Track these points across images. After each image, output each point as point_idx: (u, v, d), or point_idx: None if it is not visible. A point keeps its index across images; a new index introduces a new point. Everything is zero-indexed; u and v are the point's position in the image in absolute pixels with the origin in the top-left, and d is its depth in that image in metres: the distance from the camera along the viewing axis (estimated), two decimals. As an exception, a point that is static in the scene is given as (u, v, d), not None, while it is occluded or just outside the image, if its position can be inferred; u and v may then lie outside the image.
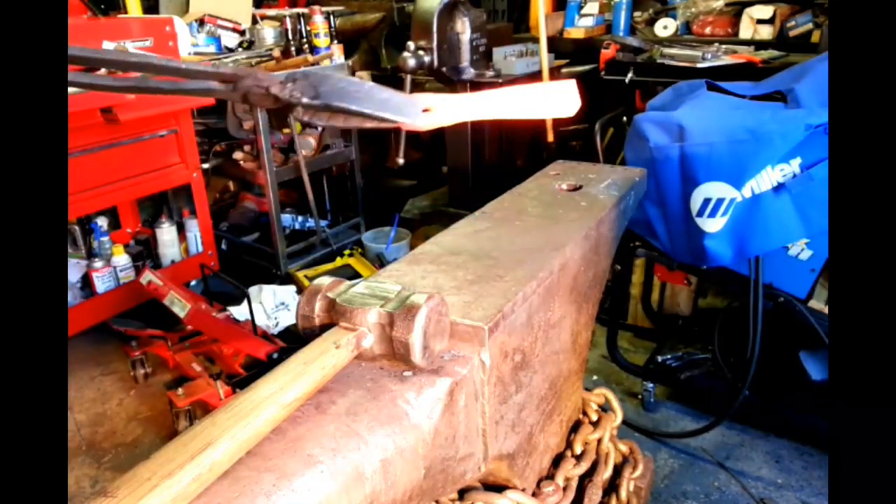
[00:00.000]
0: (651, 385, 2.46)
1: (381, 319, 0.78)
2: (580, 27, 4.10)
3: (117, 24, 3.08)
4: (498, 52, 3.55)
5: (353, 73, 3.67)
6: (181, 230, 3.46)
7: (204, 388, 2.36)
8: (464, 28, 3.34)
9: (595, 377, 2.68)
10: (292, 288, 3.34)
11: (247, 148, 3.63)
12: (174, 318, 2.70)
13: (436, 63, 3.27)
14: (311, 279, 3.38)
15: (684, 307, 2.57)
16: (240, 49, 3.87)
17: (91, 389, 2.75)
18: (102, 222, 3.26)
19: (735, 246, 1.83)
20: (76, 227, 3.25)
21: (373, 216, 4.03)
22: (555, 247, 1.08)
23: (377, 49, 4.60)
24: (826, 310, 1.95)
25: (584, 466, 1.30)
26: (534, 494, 1.15)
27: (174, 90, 0.78)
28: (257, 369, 2.39)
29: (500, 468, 1.02)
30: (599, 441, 1.38)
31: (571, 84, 0.95)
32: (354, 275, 3.53)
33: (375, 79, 4.08)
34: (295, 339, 2.34)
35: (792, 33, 3.42)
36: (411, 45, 3.26)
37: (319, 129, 3.54)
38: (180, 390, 2.36)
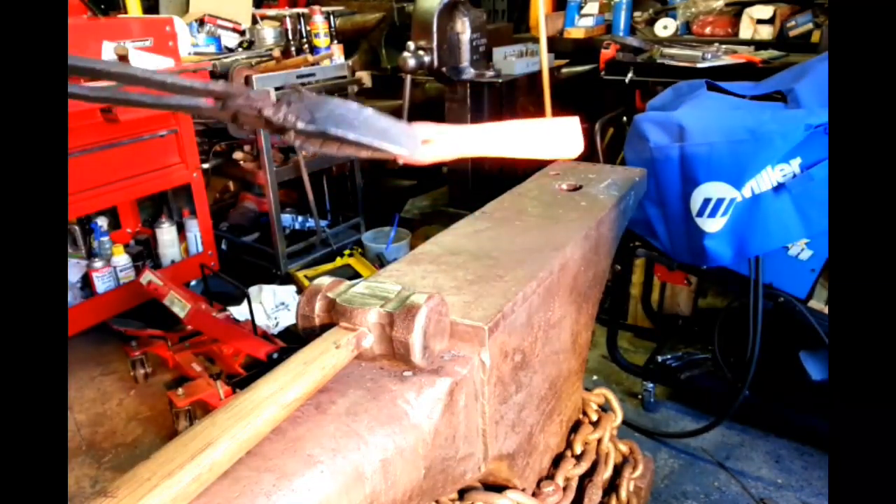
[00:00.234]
0: (651, 385, 2.46)
1: (381, 319, 0.78)
2: (580, 27, 4.10)
3: (117, 24, 3.08)
4: (498, 52, 3.55)
5: (352, 73, 3.67)
6: (181, 230, 3.46)
7: (204, 388, 2.36)
8: (464, 28, 3.34)
9: (595, 377, 2.68)
10: (292, 288, 3.34)
11: (247, 148, 3.63)
12: (174, 318, 2.70)
13: (436, 63, 3.27)
14: (311, 279, 3.38)
15: (684, 307, 2.57)
16: (240, 49, 3.87)
17: (91, 389, 2.75)
18: (102, 222, 3.26)
19: (735, 246, 1.83)
20: (76, 227, 3.25)
21: (373, 216, 4.03)
22: (555, 247, 1.08)
23: (377, 49, 4.61)
24: (826, 310, 1.95)
25: (584, 466, 1.30)
26: (534, 494, 1.15)
27: (156, 104, 0.73)
28: (257, 369, 2.39)
29: (500, 468, 1.02)
30: (599, 441, 1.38)
31: (575, 123, 0.95)
32: (354, 275, 3.53)
33: (375, 79, 4.09)
34: (295, 339, 2.34)
35: (792, 33, 3.42)
36: (411, 45, 3.26)
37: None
38: (180, 390, 2.36)
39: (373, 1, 4.71)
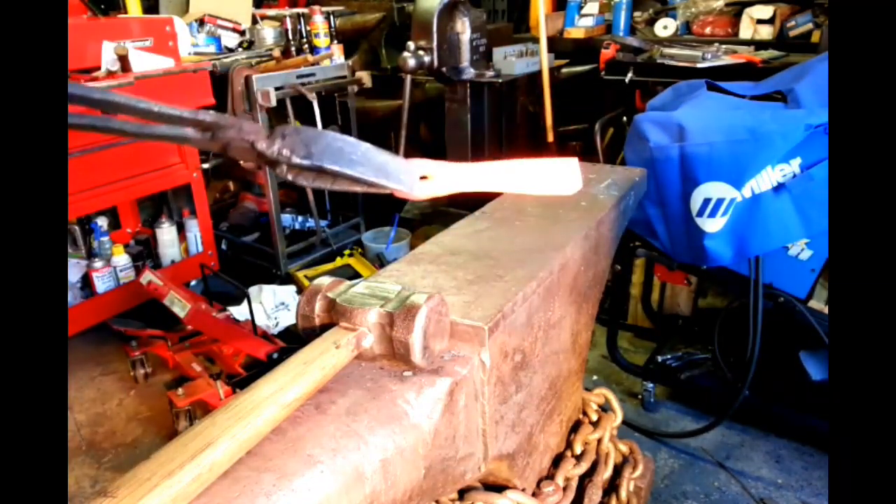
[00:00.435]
0: (651, 385, 2.46)
1: (381, 319, 0.78)
2: (580, 27, 4.10)
3: (117, 24, 3.08)
4: (498, 52, 3.55)
5: (352, 73, 3.67)
6: (181, 230, 3.46)
7: (204, 388, 2.36)
8: (464, 28, 3.34)
9: (595, 377, 2.68)
10: (292, 288, 3.34)
11: (247, 148, 3.62)
12: (174, 318, 2.70)
13: (436, 63, 3.27)
14: (311, 279, 3.38)
15: (684, 307, 2.57)
16: (240, 49, 3.87)
17: (91, 389, 2.75)
18: (102, 222, 3.26)
19: (735, 246, 1.83)
20: (76, 227, 3.25)
21: (373, 216, 4.03)
22: (555, 247, 1.08)
23: (377, 49, 4.60)
24: (826, 310, 1.95)
25: (584, 466, 1.30)
26: (534, 494, 1.15)
27: (140, 134, 0.67)
28: (257, 369, 2.39)
29: (500, 468, 1.02)
30: (599, 441, 1.38)
31: (574, 162, 0.94)
32: (354, 275, 3.53)
33: (375, 79, 4.08)
34: (295, 339, 2.34)
35: (792, 33, 3.42)
36: (411, 45, 3.26)
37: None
38: (180, 390, 2.36)
39: (373, 1, 4.71)
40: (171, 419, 2.39)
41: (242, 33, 3.97)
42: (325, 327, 0.81)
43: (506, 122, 3.62)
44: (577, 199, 1.34)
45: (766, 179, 1.74)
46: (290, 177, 0.71)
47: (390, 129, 3.97)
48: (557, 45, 3.99)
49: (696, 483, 2.13)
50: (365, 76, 3.76)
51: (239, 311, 2.85)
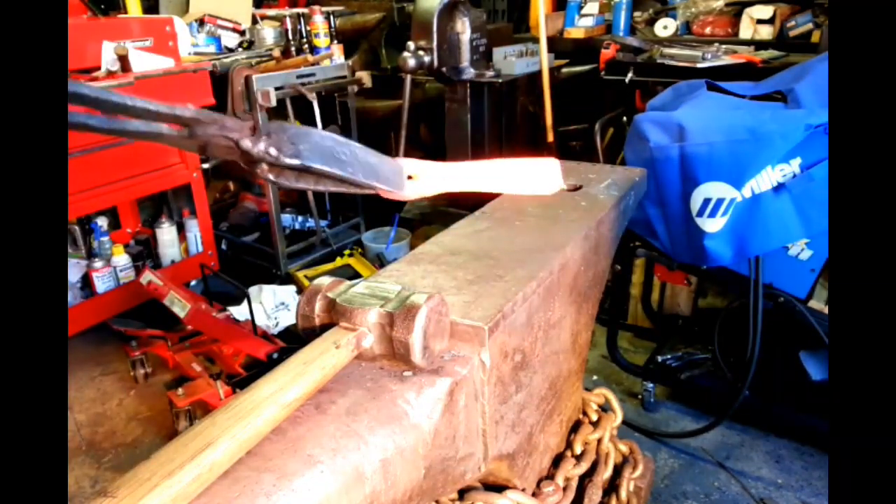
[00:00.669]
0: (651, 385, 2.46)
1: (381, 319, 0.78)
2: (580, 27, 4.10)
3: (117, 24, 3.08)
4: (498, 52, 3.55)
5: (352, 73, 3.67)
6: (181, 230, 3.46)
7: (204, 388, 2.36)
8: (464, 28, 3.34)
9: (595, 377, 2.68)
10: (292, 288, 3.34)
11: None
12: (174, 318, 2.70)
13: (436, 63, 3.27)
14: (311, 279, 3.38)
15: (684, 307, 2.57)
16: (240, 49, 3.87)
17: (91, 389, 2.75)
18: (102, 222, 3.26)
19: (735, 246, 1.83)
20: (76, 227, 3.25)
21: (373, 216, 4.03)
22: (555, 247, 1.08)
23: (377, 49, 4.61)
24: (826, 310, 1.95)
25: (584, 466, 1.29)
26: (534, 494, 1.15)
27: (109, 130, 0.61)
28: (257, 369, 2.39)
29: (500, 468, 1.02)
30: (599, 441, 1.38)
31: (555, 164, 0.96)
32: (354, 275, 3.53)
33: (375, 79, 4.08)
34: (295, 339, 2.34)
35: (792, 33, 3.42)
36: (411, 45, 3.26)
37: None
38: (180, 390, 2.36)
39: (373, 1, 4.71)
40: (171, 419, 2.39)
41: (242, 33, 3.97)
42: (325, 327, 0.81)
43: (506, 122, 3.62)
44: (577, 199, 1.34)
45: (766, 179, 1.74)
46: (271, 177, 0.67)
47: (390, 129, 3.98)
48: (557, 45, 3.99)
49: (696, 483, 2.13)
50: (365, 76, 3.76)
51: (239, 311, 2.85)
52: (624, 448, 1.53)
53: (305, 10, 3.67)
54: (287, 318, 3.09)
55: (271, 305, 3.16)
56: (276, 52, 3.54)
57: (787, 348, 2.10)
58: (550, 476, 1.21)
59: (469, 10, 3.35)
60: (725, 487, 2.11)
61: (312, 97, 3.21)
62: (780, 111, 1.77)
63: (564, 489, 1.21)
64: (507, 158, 0.94)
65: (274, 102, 3.13)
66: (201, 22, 3.87)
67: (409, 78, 3.37)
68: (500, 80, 3.43)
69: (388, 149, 4.10)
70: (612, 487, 1.44)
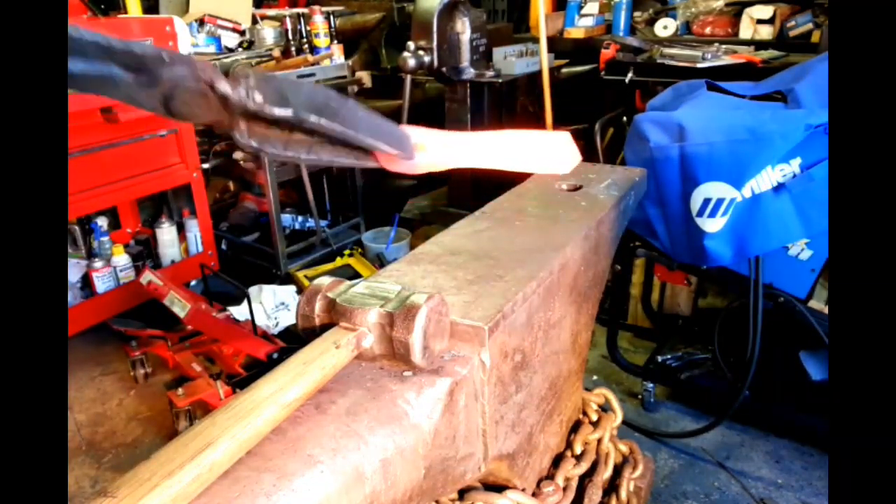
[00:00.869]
0: (651, 385, 2.46)
1: (381, 319, 0.78)
2: (580, 27, 4.10)
3: (117, 24, 3.08)
4: (498, 52, 3.55)
5: (352, 73, 3.67)
6: (181, 230, 3.45)
7: (204, 388, 2.36)
8: (464, 28, 3.34)
9: (595, 377, 2.68)
10: (292, 288, 3.34)
11: (247, 148, 3.62)
12: (174, 318, 2.70)
13: (436, 63, 3.27)
14: (311, 279, 3.38)
15: (684, 307, 2.57)
16: (240, 49, 3.87)
17: (91, 389, 2.75)
18: (102, 222, 3.26)
19: (735, 246, 1.83)
20: (76, 227, 3.25)
21: (373, 216, 4.03)
22: (555, 247, 1.08)
23: (377, 49, 4.61)
24: (826, 310, 1.94)
25: (584, 466, 1.29)
26: (534, 494, 1.15)
27: None
28: (257, 369, 2.39)
29: (501, 468, 1.02)
30: (599, 441, 1.38)
31: (567, 138, 0.90)
32: (354, 275, 3.53)
33: (375, 79, 4.08)
34: (295, 339, 2.34)
35: (792, 33, 3.42)
36: (411, 45, 3.26)
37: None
38: (180, 390, 2.36)
39: (373, 1, 4.71)
40: (171, 419, 2.39)
41: (242, 33, 3.97)
42: (325, 327, 0.81)
43: (506, 123, 3.62)
44: (577, 199, 1.34)
45: (766, 179, 1.74)
46: (253, 142, 0.54)
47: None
48: (557, 45, 3.99)
49: (696, 483, 2.13)
50: (365, 76, 3.76)
51: (239, 311, 2.85)
52: (624, 448, 1.53)
53: (305, 10, 3.67)
54: (287, 318, 3.09)
55: (271, 305, 3.16)
56: (276, 53, 3.54)
57: (787, 348, 2.10)
58: (550, 476, 1.21)
59: (469, 10, 3.35)
60: (725, 487, 2.11)
61: (312, 97, 3.20)
62: (780, 111, 1.77)
63: (564, 489, 1.21)
64: (517, 130, 0.90)
65: (274, 102, 3.13)
66: (201, 22, 3.87)
67: (409, 78, 3.37)
68: (500, 80, 3.43)
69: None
70: (612, 487, 1.44)
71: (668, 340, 2.60)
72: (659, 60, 3.00)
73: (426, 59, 3.24)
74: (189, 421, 2.35)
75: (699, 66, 2.84)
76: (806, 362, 2.08)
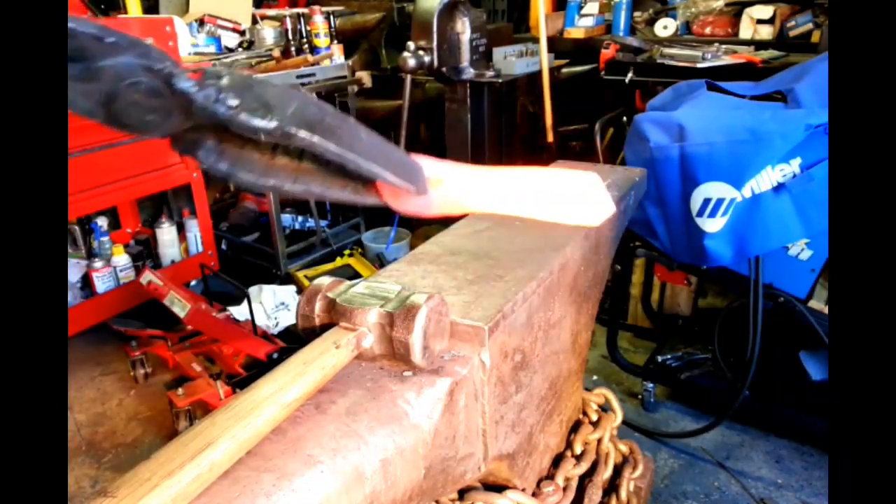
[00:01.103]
0: (651, 385, 2.46)
1: (381, 319, 0.78)
2: (580, 27, 4.10)
3: (117, 24, 3.08)
4: (498, 52, 3.55)
5: (352, 73, 3.67)
6: (181, 230, 3.46)
7: (204, 388, 2.36)
8: (464, 28, 3.34)
9: (595, 377, 2.68)
10: (292, 288, 3.34)
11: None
12: (174, 318, 2.70)
13: (436, 63, 3.27)
14: (311, 279, 3.38)
15: (684, 307, 2.57)
16: (240, 49, 3.87)
17: (91, 389, 2.75)
18: (102, 222, 3.26)
19: (735, 246, 1.83)
20: (76, 227, 3.25)
21: (373, 216, 4.03)
22: (555, 247, 1.08)
23: (377, 49, 4.60)
24: (826, 310, 1.95)
25: (584, 466, 1.29)
26: (534, 494, 1.15)
27: None
28: (257, 369, 2.39)
29: (500, 468, 1.02)
30: (599, 441, 1.38)
31: (598, 181, 0.75)
32: (354, 275, 3.53)
33: (375, 79, 4.08)
34: (295, 339, 2.34)
35: (792, 33, 3.42)
36: (411, 45, 3.26)
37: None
38: (180, 390, 2.36)
39: (373, 1, 4.71)
40: (171, 419, 2.39)
41: (242, 33, 3.97)
42: (325, 327, 0.81)
43: (506, 122, 3.62)
44: (577, 199, 1.34)
45: (766, 179, 1.74)
46: (222, 165, 0.41)
47: (390, 129, 3.98)
48: (557, 45, 3.99)
49: (696, 483, 2.13)
50: (365, 76, 3.76)
51: (239, 311, 2.85)
52: (624, 448, 1.53)
53: (305, 10, 3.67)
54: (287, 318, 3.09)
55: (271, 305, 3.16)
56: (276, 53, 3.54)
57: (787, 348, 2.10)
58: (550, 476, 1.21)
59: (469, 10, 3.35)
60: (725, 487, 2.11)
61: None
62: (780, 111, 1.76)
63: (564, 489, 1.21)
64: (543, 168, 0.80)
65: (274, 102, 3.13)
66: (201, 22, 3.87)
67: (409, 78, 3.37)
68: (500, 80, 3.43)
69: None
70: (612, 487, 1.44)
71: (668, 340, 2.60)
72: (659, 60, 3.00)
73: (426, 59, 3.24)
74: (189, 421, 2.35)
75: (699, 66, 2.84)
76: (806, 362, 2.08)
